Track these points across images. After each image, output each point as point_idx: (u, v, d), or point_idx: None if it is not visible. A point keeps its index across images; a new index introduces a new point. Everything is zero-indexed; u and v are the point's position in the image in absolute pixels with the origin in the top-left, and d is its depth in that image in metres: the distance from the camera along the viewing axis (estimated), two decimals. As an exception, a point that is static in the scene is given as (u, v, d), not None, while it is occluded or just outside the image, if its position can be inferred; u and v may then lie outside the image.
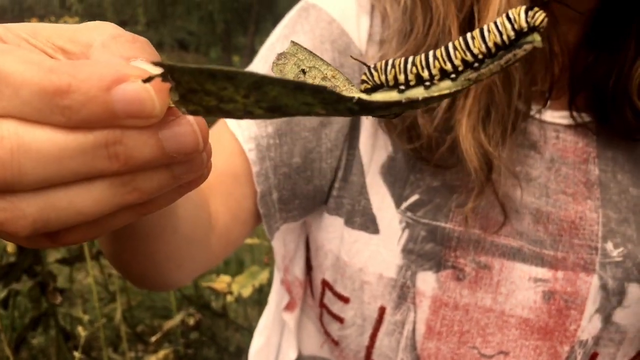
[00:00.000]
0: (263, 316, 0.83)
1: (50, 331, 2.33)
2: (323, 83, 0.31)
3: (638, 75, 0.63)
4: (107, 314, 2.50)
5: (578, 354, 0.68)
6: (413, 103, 0.30)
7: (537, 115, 0.68)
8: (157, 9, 14.78)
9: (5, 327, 1.96)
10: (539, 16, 0.28)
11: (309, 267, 0.75)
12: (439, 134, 0.61)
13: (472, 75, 0.29)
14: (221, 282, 1.98)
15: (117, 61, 0.26)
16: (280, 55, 0.32)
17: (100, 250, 2.41)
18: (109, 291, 2.51)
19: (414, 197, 0.66)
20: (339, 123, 0.66)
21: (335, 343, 0.72)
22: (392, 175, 0.66)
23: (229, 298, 2.09)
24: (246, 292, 2.03)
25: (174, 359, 2.07)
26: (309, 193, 0.68)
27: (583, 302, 0.67)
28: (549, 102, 0.67)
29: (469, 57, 0.29)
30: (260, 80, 0.25)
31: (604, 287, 0.67)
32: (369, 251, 0.67)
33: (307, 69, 0.32)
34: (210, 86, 0.25)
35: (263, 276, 2.13)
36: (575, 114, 0.69)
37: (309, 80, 0.31)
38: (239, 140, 0.64)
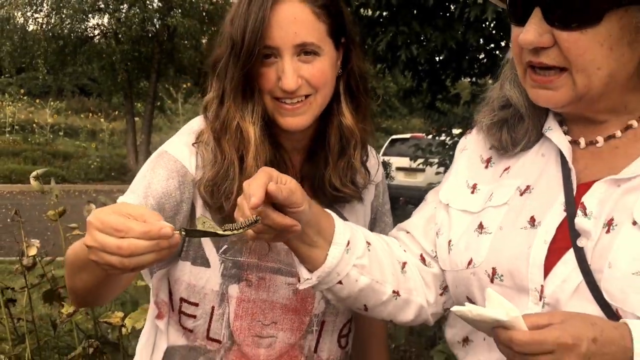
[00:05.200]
0: (145, 326, 1.36)
1: (-34, 371, 2.61)
2: (211, 226, 0.93)
3: (328, 175, 1.23)
4: (17, 354, 2.84)
5: (314, 321, 1.32)
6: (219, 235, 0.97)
7: None
8: (57, 58, 14.87)
9: None
10: (258, 218, 0.94)
11: (170, 293, 1.31)
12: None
13: (240, 231, 0.95)
14: (116, 317, 2.41)
15: (161, 222, 0.85)
16: (197, 219, 0.94)
17: (10, 299, 2.77)
18: (18, 334, 2.85)
19: (225, 247, 1.25)
20: (182, 212, 1.22)
21: (190, 331, 1.29)
22: None
23: (124, 331, 2.50)
24: (139, 325, 2.47)
25: (78, 386, 2.45)
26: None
27: (313, 294, 1.29)
28: None
29: (237, 226, 0.92)
30: (218, 233, 0.90)
31: None
32: (205, 277, 1.26)
33: (205, 222, 0.92)
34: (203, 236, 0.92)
35: (154, 312, 2.58)
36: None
37: (207, 225, 0.93)
38: None
